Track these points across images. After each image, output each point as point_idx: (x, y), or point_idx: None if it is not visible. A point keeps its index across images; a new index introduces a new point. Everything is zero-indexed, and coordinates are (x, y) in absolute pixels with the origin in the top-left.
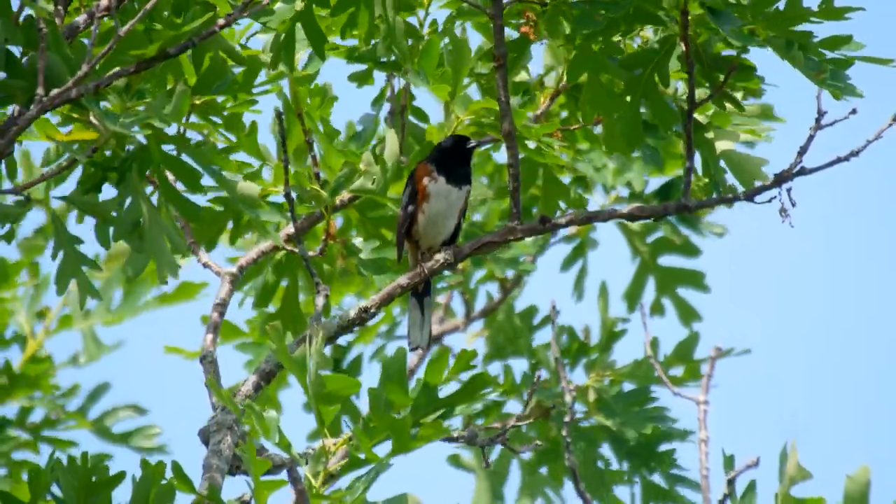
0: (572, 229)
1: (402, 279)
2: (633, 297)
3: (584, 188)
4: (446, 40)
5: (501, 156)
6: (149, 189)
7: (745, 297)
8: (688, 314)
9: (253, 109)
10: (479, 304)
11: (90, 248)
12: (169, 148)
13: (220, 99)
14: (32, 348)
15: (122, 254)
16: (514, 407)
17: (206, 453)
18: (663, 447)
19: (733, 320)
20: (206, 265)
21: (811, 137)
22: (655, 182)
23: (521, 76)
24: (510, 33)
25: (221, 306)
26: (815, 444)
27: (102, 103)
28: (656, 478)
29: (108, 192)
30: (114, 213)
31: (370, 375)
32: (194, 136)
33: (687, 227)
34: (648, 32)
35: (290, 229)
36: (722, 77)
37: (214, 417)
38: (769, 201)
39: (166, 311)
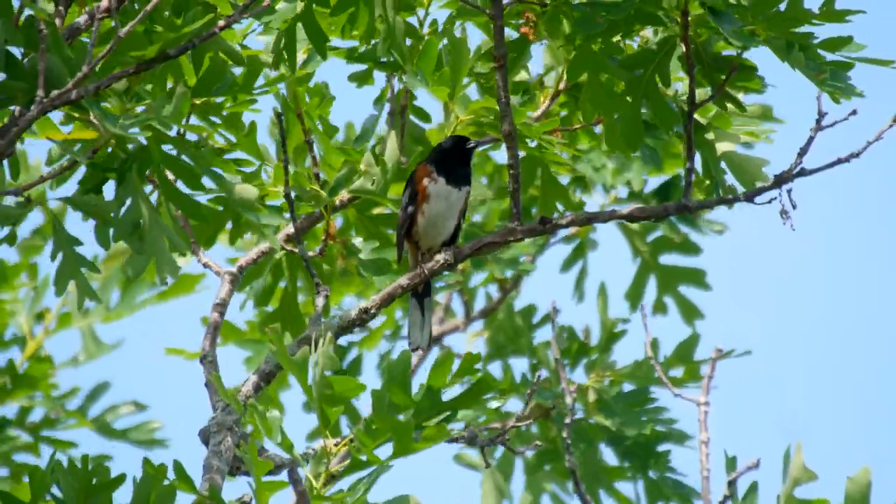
0: (572, 230)
1: (403, 280)
2: (634, 296)
3: (583, 188)
4: (446, 41)
5: (501, 156)
6: (148, 189)
7: (745, 298)
8: (690, 312)
9: (252, 109)
10: (479, 304)
11: (89, 249)
12: (169, 148)
13: (219, 99)
14: (32, 348)
15: (121, 253)
16: (514, 406)
17: (207, 454)
18: (661, 448)
19: (734, 321)
20: (206, 265)
21: (811, 138)
22: (654, 181)
23: (521, 76)
24: (510, 33)
25: (221, 306)
26: (816, 444)
27: (102, 104)
28: (658, 477)
29: (108, 192)
30: (113, 214)
31: (369, 376)
32: (193, 137)
33: (686, 225)
34: (648, 33)
35: (290, 229)
36: (723, 77)
37: (215, 418)
38: (769, 202)
39: (166, 311)
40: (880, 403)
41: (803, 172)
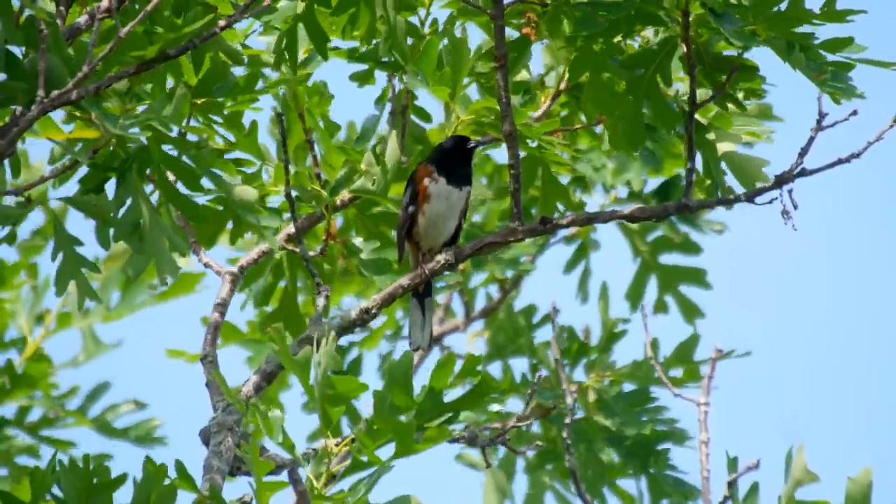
0: (573, 230)
1: (404, 280)
2: (635, 296)
3: (583, 188)
4: (446, 41)
5: (500, 156)
6: (149, 189)
7: (746, 298)
8: (691, 311)
9: (254, 107)
10: (479, 304)
11: (90, 250)
12: (169, 148)
13: (221, 98)
14: (32, 348)
15: (122, 254)
16: (514, 406)
17: (207, 454)
18: (661, 447)
19: (734, 321)
20: (207, 265)
21: (812, 139)
22: (654, 181)
23: (522, 75)
24: (510, 33)
25: (222, 306)
26: (817, 445)
27: (103, 104)
28: (660, 476)
29: (110, 193)
30: (113, 214)
31: (369, 376)
32: (193, 137)
33: (686, 224)
34: (649, 33)
35: (291, 229)
36: (724, 78)
37: (215, 418)
38: (770, 202)
39: (166, 311)
40: (881, 404)
41: (804, 173)
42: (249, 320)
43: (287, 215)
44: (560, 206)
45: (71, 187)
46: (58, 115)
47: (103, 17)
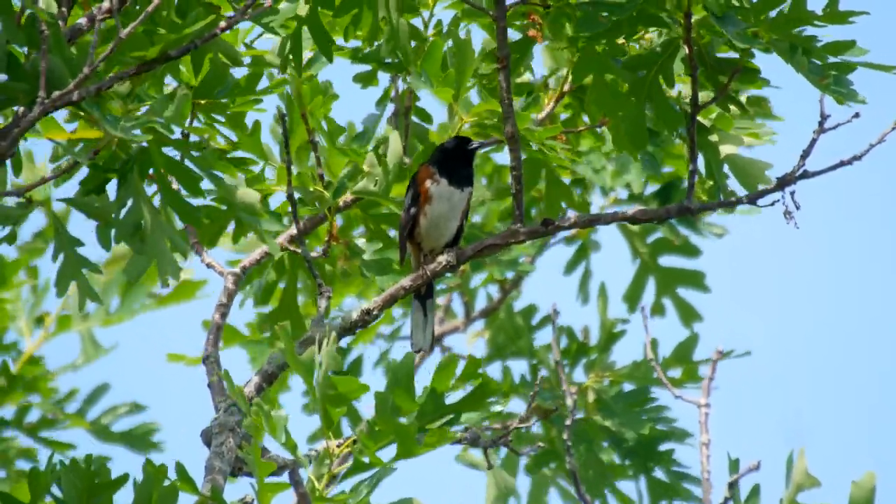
0: (573, 231)
1: (405, 281)
2: (633, 298)
3: (582, 189)
4: (450, 42)
5: (501, 157)
6: (151, 190)
7: (748, 299)
8: (688, 314)
9: (257, 108)
10: (479, 304)
11: (91, 252)
12: (170, 150)
13: (224, 99)
14: (30, 351)
15: (122, 257)
16: (515, 406)
17: (209, 455)
18: (663, 447)
19: (736, 322)
20: (209, 265)
21: (814, 141)
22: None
23: (525, 77)
24: (513, 34)
25: (224, 307)
26: (819, 447)
27: (105, 105)
28: (661, 475)
29: (111, 193)
30: (114, 216)
31: (366, 377)
32: (194, 137)
33: (686, 227)
34: (652, 35)
35: (293, 230)
36: (725, 79)
37: (217, 419)
38: (772, 204)
39: (165, 314)
40: (885, 406)
41: (806, 175)
42: (249, 322)
43: (287, 218)
44: (565, 207)
45: (72, 188)
46: (60, 115)
47: (104, 18)
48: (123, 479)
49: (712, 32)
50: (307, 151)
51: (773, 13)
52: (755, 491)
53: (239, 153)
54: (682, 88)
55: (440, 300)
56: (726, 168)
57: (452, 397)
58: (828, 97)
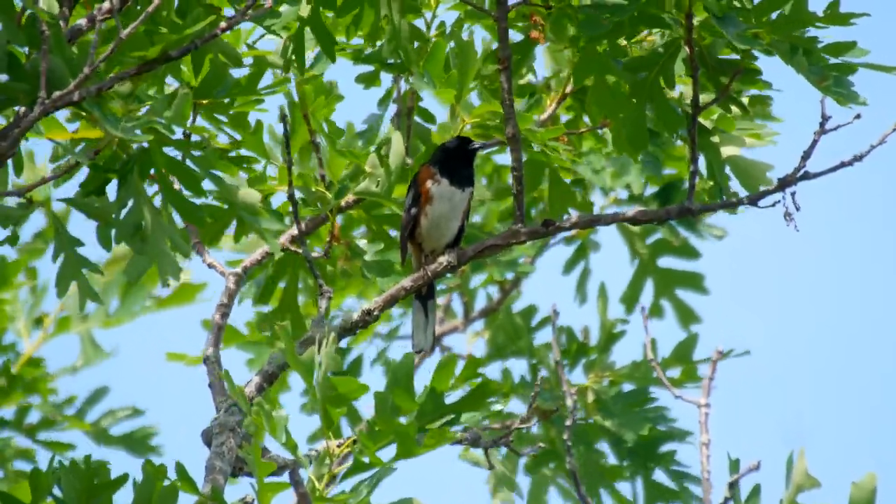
0: (573, 231)
1: (406, 282)
2: (631, 298)
3: (582, 190)
4: (452, 43)
5: (500, 157)
6: (152, 190)
7: (749, 300)
8: (686, 316)
9: (259, 108)
10: (479, 304)
11: (92, 252)
12: (171, 150)
13: (227, 99)
14: (29, 352)
15: (123, 258)
16: (514, 406)
17: (209, 455)
18: (664, 448)
19: (737, 323)
20: (210, 265)
21: (815, 142)
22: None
23: (528, 79)
24: (515, 35)
25: (225, 307)
26: (820, 448)
27: (106, 105)
28: (660, 477)
29: (112, 194)
30: (115, 216)
31: (368, 378)
32: (195, 137)
33: (686, 228)
34: (654, 37)
35: (294, 230)
36: (727, 80)
37: (217, 419)
38: (773, 205)
39: (165, 318)
40: (885, 407)
41: (807, 176)
42: (248, 321)
43: (289, 219)
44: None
45: (72, 188)
46: (63, 115)
47: (104, 18)
48: (123, 479)
49: (713, 34)
50: (310, 152)
51: (774, 15)
52: (755, 491)
53: (242, 152)
54: (683, 90)
55: (440, 300)
56: (728, 170)
57: (452, 397)
58: (829, 98)
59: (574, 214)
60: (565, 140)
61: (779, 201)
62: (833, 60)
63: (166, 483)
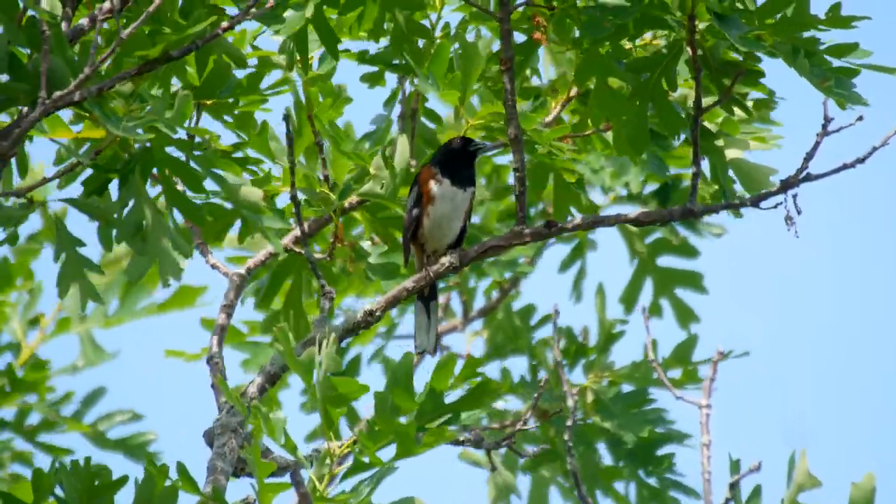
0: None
1: (408, 282)
2: (630, 298)
3: (581, 189)
4: (457, 45)
5: (501, 157)
6: (154, 191)
7: (749, 301)
8: (685, 316)
9: (263, 108)
10: (478, 303)
11: (92, 252)
12: (173, 150)
13: (231, 99)
14: (26, 354)
15: (122, 258)
16: (514, 405)
17: (211, 455)
18: (663, 450)
19: (738, 324)
20: (214, 266)
21: (817, 144)
22: (653, 182)
23: (533, 81)
24: (519, 37)
25: (229, 307)
26: (820, 449)
27: (108, 105)
28: (653, 481)
29: (112, 194)
30: (116, 216)
31: (366, 376)
32: (197, 137)
33: (685, 227)
34: (659, 41)
35: (298, 231)
36: (729, 82)
37: (219, 419)
38: (775, 207)
39: (165, 320)
40: (885, 408)
41: (809, 177)
42: (246, 320)
43: (293, 220)
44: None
45: (74, 189)
46: (66, 116)
47: (105, 19)
48: (123, 480)
49: (716, 36)
50: (315, 153)
51: (776, 17)
52: (756, 492)
53: (247, 152)
54: (685, 92)
55: (439, 300)
56: (732, 173)
57: (451, 396)
58: (831, 100)
59: (577, 216)
60: (569, 142)
61: (781, 203)
62: (836, 63)
63: (167, 483)
